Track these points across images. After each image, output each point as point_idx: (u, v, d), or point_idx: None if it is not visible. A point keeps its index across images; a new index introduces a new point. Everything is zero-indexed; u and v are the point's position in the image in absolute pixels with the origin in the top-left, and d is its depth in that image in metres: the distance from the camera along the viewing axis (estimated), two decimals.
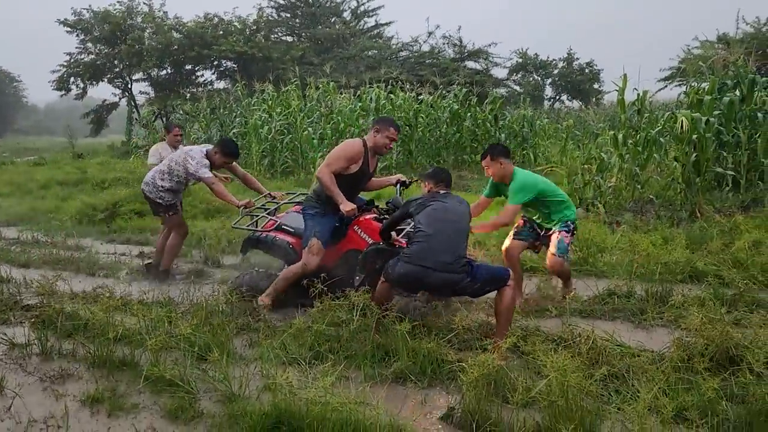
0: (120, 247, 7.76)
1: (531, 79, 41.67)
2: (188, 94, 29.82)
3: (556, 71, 41.98)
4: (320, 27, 33.66)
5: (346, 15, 35.10)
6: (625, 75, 10.89)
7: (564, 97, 43.21)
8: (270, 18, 33.50)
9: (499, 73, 36.30)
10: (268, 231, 5.39)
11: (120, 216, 9.42)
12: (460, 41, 30.32)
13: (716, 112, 9.33)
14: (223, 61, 31.46)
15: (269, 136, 15.24)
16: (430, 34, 31.05)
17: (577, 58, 41.98)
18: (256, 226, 5.55)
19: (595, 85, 42.07)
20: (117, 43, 29.30)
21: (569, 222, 5.08)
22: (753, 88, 9.77)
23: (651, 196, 9.16)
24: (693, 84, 10.05)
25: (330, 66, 21.03)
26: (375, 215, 5.08)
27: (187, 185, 6.49)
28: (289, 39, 34.63)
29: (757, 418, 2.97)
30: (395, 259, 4.13)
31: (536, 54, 41.61)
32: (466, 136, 15.25)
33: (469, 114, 15.60)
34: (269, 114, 15.82)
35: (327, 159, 5.00)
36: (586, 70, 41.67)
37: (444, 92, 16.79)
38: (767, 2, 29.28)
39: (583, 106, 37.35)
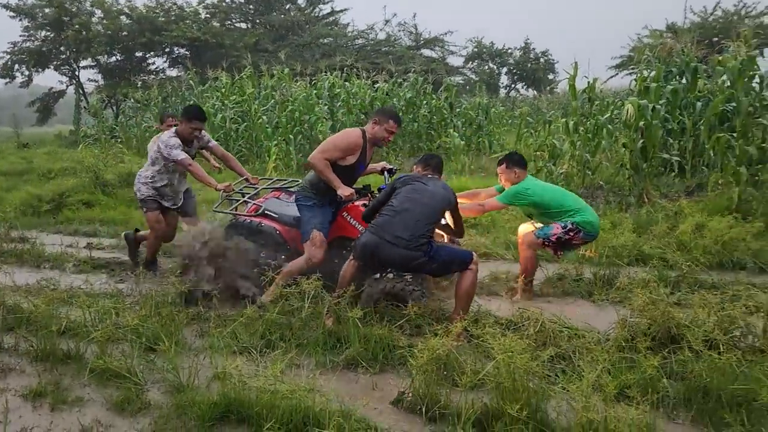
0: (67, 239, 7.53)
1: (486, 67, 42.01)
2: (139, 82, 29.10)
3: (512, 60, 42.41)
4: (275, 13, 33.20)
5: (301, 2, 34.70)
6: (575, 63, 11.07)
7: (519, 86, 43.74)
8: (224, 3, 32.89)
9: (456, 61, 36.53)
10: (253, 216, 5.21)
11: (67, 207, 9.15)
12: (416, 29, 30.35)
13: (662, 100, 9.58)
14: (176, 48, 30.79)
15: (223, 125, 15.01)
16: (386, 22, 31.03)
17: (533, 48, 42.50)
18: (236, 211, 5.39)
19: (550, 75, 42.76)
20: (63, 28, 28.34)
21: (570, 222, 4.93)
22: (696, 76, 10.06)
23: (601, 182, 9.36)
24: (642, 72, 10.28)
25: (285, 53, 20.81)
26: (365, 201, 4.96)
27: (177, 179, 5.97)
28: (244, 26, 34.09)
29: (695, 394, 3.09)
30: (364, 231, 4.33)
31: (492, 42, 41.93)
32: (422, 123, 15.27)
33: (424, 102, 15.62)
34: (223, 102, 15.57)
35: (322, 145, 4.85)
36: (542, 60, 42.24)
37: (400, 80, 16.77)
38: None
39: (537, 95, 37.95)
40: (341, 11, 34.53)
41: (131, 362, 3.52)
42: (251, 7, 34.08)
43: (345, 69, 16.64)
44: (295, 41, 29.28)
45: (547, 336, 3.87)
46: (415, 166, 4.77)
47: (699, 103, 9.72)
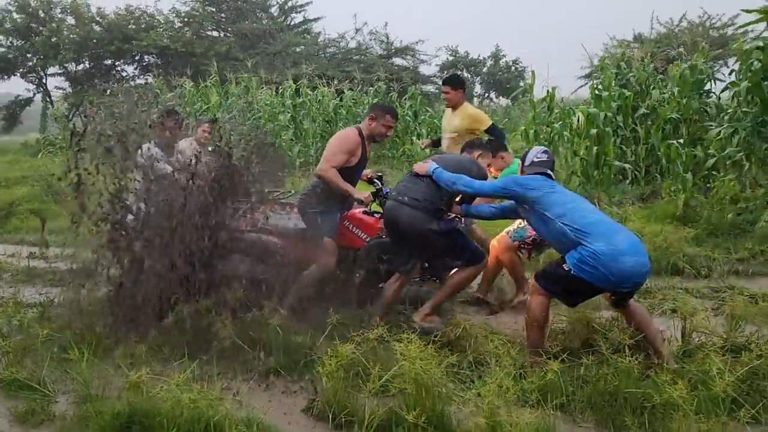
0: (10, 248, 7.40)
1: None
2: (108, 90, 28.75)
3: (485, 69, 42.75)
4: (247, 22, 33.09)
5: (274, 11, 34.64)
6: (533, 72, 11.28)
7: (492, 95, 44.06)
8: (195, 12, 32.72)
9: (430, 70, 36.72)
10: (250, 231, 4.84)
11: (15, 216, 9.00)
12: (387, 38, 30.44)
13: (615, 106, 9.73)
14: (145, 56, 30.54)
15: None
16: (357, 30, 31.03)
17: (504, 56, 42.89)
18: None
19: (521, 83, 43.13)
20: (31, 35, 27.96)
21: None
22: (648, 85, 10.24)
23: None
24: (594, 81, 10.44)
25: (252, 62, 20.73)
26: (364, 209, 4.89)
27: None
28: (216, 34, 33.93)
29: (601, 398, 3.12)
30: None
31: (466, 52, 42.23)
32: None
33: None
34: (185, 110, 15.46)
35: (326, 154, 4.75)
36: (512, 68, 42.64)
37: (367, 88, 16.82)
38: (680, 4, 30.71)
39: (510, 103, 38.28)
40: (314, 20, 34.51)
41: (41, 373, 3.45)
42: (223, 15, 33.96)
43: (307, 77, 16.62)
44: (266, 50, 29.18)
45: (469, 341, 3.88)
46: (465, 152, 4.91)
47: (643, 108, 9.87)
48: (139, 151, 4.47)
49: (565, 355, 3.37)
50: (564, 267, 3.60)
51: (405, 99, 16.21)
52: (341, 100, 15.69)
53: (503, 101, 43.02)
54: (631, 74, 10.94)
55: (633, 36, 31.88)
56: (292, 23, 34.25)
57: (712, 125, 8.28)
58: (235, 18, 33.40)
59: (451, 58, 41.74)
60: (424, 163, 4.49)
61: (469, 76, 43.45)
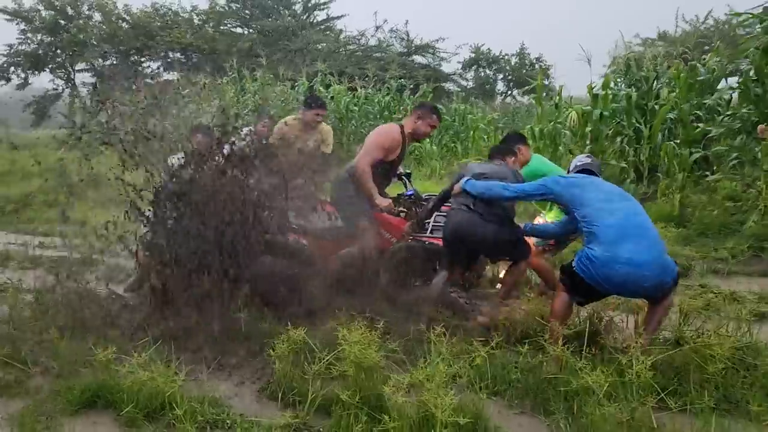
0: (22, 237, 7.77)
1: (482, 74, 42.15)
2: (134, 86, 29.38)
3: (507, 66, 42.55)
4: (270, 19, 33.50)
5: (297, 8, 34.99)
6: (542, 69, 11.43)
7: (515, 92, 43.84)
8: (220, 9, 33.23)
9: (453, 68, 36.72)
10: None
11: (31, 207, 9.40)
12: (407, 35, 30.54)
13: (615, 106, 9.77)
14: (170, 53, 31.13)
15: None
16: (377, 28, 31.21)
17: (528, 53, 42.63)
18: None
19: (546, 81, 42.82)
20: (59, 31, 28.72)
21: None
22: (652, 84, 10.26)
23: None
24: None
25: (267, 60, 21.07)
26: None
27: None
28: (240, 30, 34.40)
29: (539, 385, 3.28)
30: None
31: (489, 49, 42.08)
32: None
33: (401, 107, 15.85)
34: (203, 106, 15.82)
35: (365, 148, 4.80)
36: (536, 65, 42.40)
37: (380, 85, 17.02)
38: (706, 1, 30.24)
39: (532, 101, 38.10)
40: (337, 18, 34.79)
41: (23, 351, 3.72)
42: (247, 12, 34.41)
43: (322, 74, 16.89)
44: (287, 47, 29.53)
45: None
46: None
47: (652, 104, 9.89)
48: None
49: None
50: (572, 262, 3.76)
51: (418, 97, 16.37)
52: (354, 97, 15.91)
53: (526, 99, 43.00)
54: (641, 73, 10.97)
55: (657, 34, 31.62)
56: (315, 21, 34.60)
57: (710, 127, 8.32)
58: (259, 15, 33.84)
59: (473, 55, 41.76)
60: (458, 184, 4.49)
61: (491, 73, 43.40)
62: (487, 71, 43.01)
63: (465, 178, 4.39)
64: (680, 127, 8.60)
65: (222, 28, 33.14)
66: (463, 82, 35.99)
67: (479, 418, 2.87)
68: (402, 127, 4.88)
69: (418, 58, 30.58)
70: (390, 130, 4.91)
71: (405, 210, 4.86)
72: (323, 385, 3.19)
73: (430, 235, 4.83)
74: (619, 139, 9.94)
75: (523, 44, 44.44)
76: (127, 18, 29.51)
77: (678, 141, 8.64)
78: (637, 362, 2.80)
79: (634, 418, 2.74)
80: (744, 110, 7.35)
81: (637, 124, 10.11)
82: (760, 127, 6.95)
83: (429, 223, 4.96)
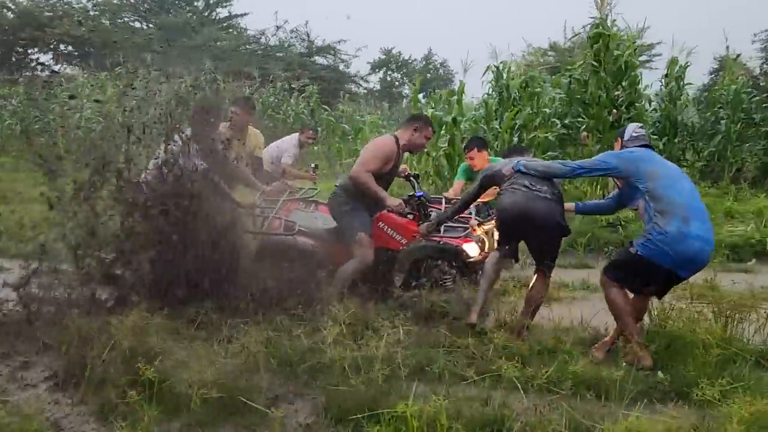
0: None
1: (388, 77, 42.93)
2: (20, 79, 28.00)
3: (416, 70, 43.49)
4: (170, 14, 32.78)
5: (199, 4, 34.40)
6: (420, 77, 11.93)
7: (420, 95, 44.82)
8: (116, 2, 32.20)
9: (365, 70, 37.21)
10: (287, 234, 4.93)
11: None
12: (308, 36, 30.75)
13: (473, 113, 10.42)
14: (61, 45, 29.87)
15: (80, 124, 14.89)
16: (278, 28, 31.22)
17: (435, 58, 43.75)
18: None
19: (449, 85, 44.08)
20: None
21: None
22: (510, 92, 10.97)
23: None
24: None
25: (164, 55, 20.67)
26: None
27: None
28: (138, 25, 33.46)
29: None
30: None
31: (399, 52, 42.88)
32: (280, 128, 15.69)
33: (288, 107, 16.04)
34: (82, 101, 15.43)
35: (361, 159, 4.83)
36: (440, 71, 43.60)
37: (264, 86, 17.14)
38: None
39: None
40: (240, 15, 34.48)
41: None
42: (146, 6, 33.52)
43: (205, 73, 16.85)
44: (186, 43, 29.01)
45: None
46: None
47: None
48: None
49: None
50: (631, 250, 3.82)
51: (303, 97, 16.61)
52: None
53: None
54: (502, 81, 11.67)
55: (549, 44, 33.26)
56: (217, 18, 34.15)
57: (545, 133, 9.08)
58: (158, 9, 33.04)
59: (383, 57, 42.45)
60: (508, 166, 4.39)
61: (400, 76, 44.27)
62: (396, 74, 43.95)
63: (516, 161, 4.32)
64: (524, 133, 9.30)
65: (119, 21, 32.15)
66: (368, 84, 36.43)
67: None
68: (396, 138, 4.91)
69: (319, 59, 30.82)
70: (386, 141, 4.94)
71: (413, 212, 4.85)
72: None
73: (443, 235, 4.85)
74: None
75: (431, 49, 45.63)
76: (12, 7, 28.09)
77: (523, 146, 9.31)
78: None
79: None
80: (569, 119, 8.05)
81: (499, 129, 10.79)
82: (583, 134, 7.65)
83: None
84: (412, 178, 5.19)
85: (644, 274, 3.80)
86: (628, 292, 3.91)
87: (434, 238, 4.75)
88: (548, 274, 4.30)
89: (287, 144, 7.42)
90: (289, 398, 3.34)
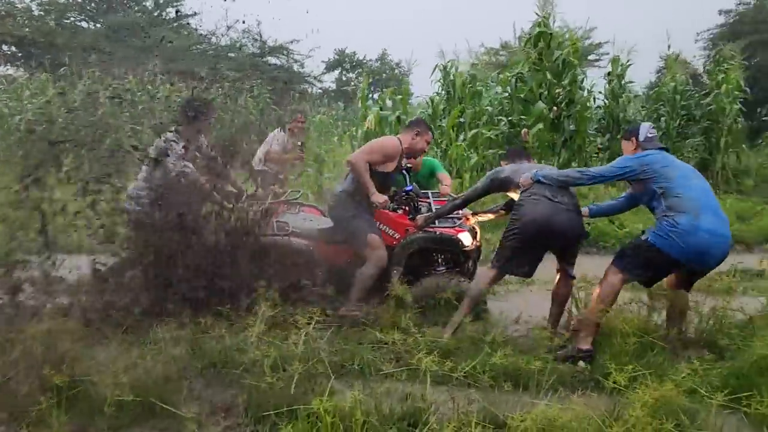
0: None
1: (344, 77, 42.87)
2: None
3: (369, 70, 43.54)
4: (119, 14, 32.02)
5: (149, 4, 33.71)
6: (366, 77, 11.96)
7: (376, 95, 44.93)
8: (62, 1, 31.32)
9: (319, 70, 37.04)
10: (283, 235, 4.95)
11: None
12: (260, 36, 30.41)
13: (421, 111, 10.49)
14: (3, 46, 28.90)
15: (20, 127, 14.42)
16: (229, 28, 30.81)
17: (390, 59, 43.88)
18: None
19: (404, 86, 44.21)
20: None
21: None
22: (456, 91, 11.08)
23: None
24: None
25: (111, 56, 20.21)
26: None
27: None
28: (85, 25, 32.60)
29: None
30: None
31: (354, 52, 42.86)
32: (228, 129, 15.49)
33: (237, 107, 15.85)
34: (22, 102, 14.98)
35: (364, 148, 4.82)
36: (396, 70, 43.74)
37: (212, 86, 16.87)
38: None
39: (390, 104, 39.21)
40: (190, 15, 33.87)
41: None
42: (93, 6, 32.69)
43: (147, 73, 16.53)
44: (134, 44, 28.40)
45: None
46: (503, 163, 4.91)
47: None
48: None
49: None
50: (642, 237, 3.89)
51: (250, 97, 16.44)
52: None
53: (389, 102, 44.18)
54: (450, 79, 11.77)
55: (500, 44, 33.71)
56: (167, 18, 33.50)
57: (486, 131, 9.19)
58: (106, 9, 32.26)
59: (337, 57, 42.39)
60: (525, 175, 4.36)
61: (354, 76, 44.25)
62: (350, 74, 43.92)
63: (534, 171, 4.33)
64: (468, 130, 9.39)
65: (65, 21, 31.28)
66: (323, 84, 36.30)
67: None
68: (400, 141, 4.93)
69: (272, 59, 30.55)
70: (393, 141, 4.95)
71: (402, 207, 4.90)
72: None
73: (438, 225, 4.88)
74: None
75: (385, 49, 45.74)
76: None
77: (467, 143, 9.41)
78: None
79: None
80: (515, 116, 8.17)
81: (444, 127, 10.89)
82: (524, 131, 7.76)
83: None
84: (404, 171, 5.20)
85: (651, 263, 3.89)
86: (621, 287, 3.97)
87: (429, 230, 4.80)
88: (571, 272, 4.38)
89: (272, 138, 7.23)
90: (208, 399, 3.30)
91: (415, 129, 4.96)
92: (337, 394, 3.03)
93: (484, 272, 4.45)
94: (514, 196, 4.49)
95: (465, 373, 3.37)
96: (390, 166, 4.82)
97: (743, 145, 13.01)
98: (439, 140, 10.59)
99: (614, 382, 2.98)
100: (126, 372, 3.15)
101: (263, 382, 3.12)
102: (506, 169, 4.64)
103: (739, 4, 22.41)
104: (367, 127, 9.42)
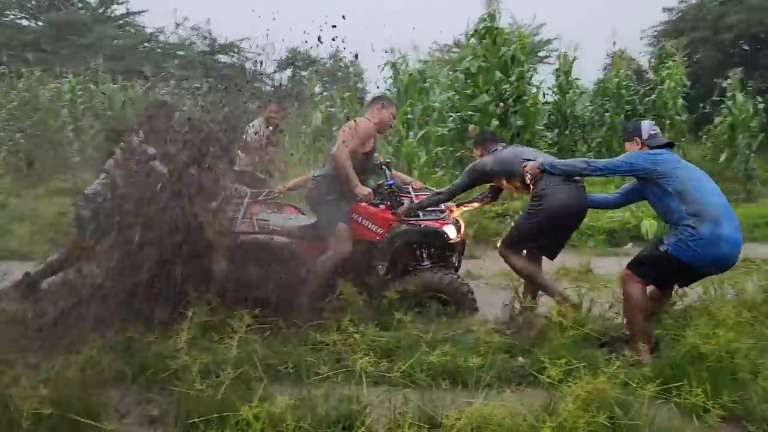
0: None
1: (296, 75, 42.47)
2: None
3: (324, 68, 43.19)
4: (61, 11, 31.01)
5: (93, 1, 32.74)
6: (314, 76, 11.79)
7: (332, 94, 44.65)
8: None
9: (270, 67, 36.47)
10: (261, 233, 4.74)
11: None
12: (210, 34, 29.88)
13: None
14: None
15: None
16: (178, 25, 30.13)
17: (344, 57, 43.63)
18: None
19: (360, 84, 44.13)
20: None
21: None
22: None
23: None
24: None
25: (53, 54, 19.56)
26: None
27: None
28: (25, 23, 31.48)
29: None
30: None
31: (307, 50, 42.43)
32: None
33: (183, 106, 15.53)
34: None
35: (342, 138, 4.65)
36: (350, 69, 43.58)
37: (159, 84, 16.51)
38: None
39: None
40: (137, 13, 33.05)
41: None
42: (34, 3, 31.59)
43: (89, 71, 16.06)
44: (78, 42, 27.56)
45: None
46: (477, 151, 4.94)
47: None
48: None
49: None
50: (661, 248, 3.75)
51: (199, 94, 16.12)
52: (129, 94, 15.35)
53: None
54: (400, 77, 11.73)
55: (453, 41, 33.90)
56: (113, 15, 32.62)
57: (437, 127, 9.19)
58: (48, 6, 31.21)
59: (289, 56, 41.94)
60: (531, 164, 4.33)
61: (306, 74, 43.84)
62: (303, 72, 43.52)
63: (540, 160, 4.32)
64: (417, 127, 9.38)
65: (4, 19, 30.16)
66: (273, 82, 35.81)
67: None
68: (368, 119, 4.85)
69: (222, 57, 30.07)
70: (361, 120, 4.84)
71: (384, 201, 4.78)
72: None
73: (423, 218, 4.78)
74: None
75: (338, 47, 45.31)
76: None
77: (417, 140, 9.39)
78: None
79: None
80: (460, 113, 8.18)
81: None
82: (471, 127, 7.77)
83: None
84: (384, 166, 5.15)
85: (671, 272, 3.84)
86: (647, 290, 3.92)
87: (413, 222, 4.72)
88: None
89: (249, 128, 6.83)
90: (135, 409, 3.16)
91: (379, 102, 4.94)
92: (270, 399, 2.93)
93: (521, 259, 4.48)
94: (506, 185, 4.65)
95: (402, 372, 3.32)
96: (368, 146, 4.83)
97: (684, 139, 13.34)
98: (390, 137, 10.54)
99: (548, 377, 2.97)
100: (46, 384, 3.00)
101: (192, 389, 3.01)
102: (488, 161, 4.67)
103: (681, 2, 22.98)
104: (316, 125, 9.32)
